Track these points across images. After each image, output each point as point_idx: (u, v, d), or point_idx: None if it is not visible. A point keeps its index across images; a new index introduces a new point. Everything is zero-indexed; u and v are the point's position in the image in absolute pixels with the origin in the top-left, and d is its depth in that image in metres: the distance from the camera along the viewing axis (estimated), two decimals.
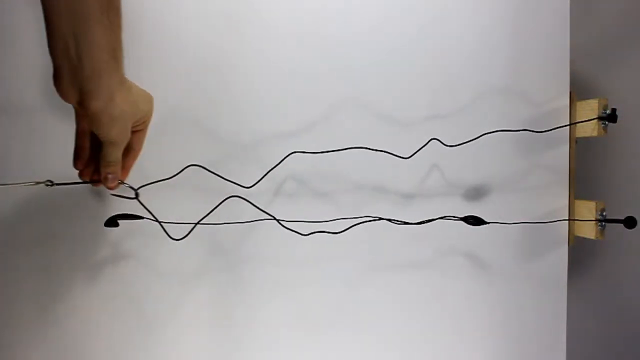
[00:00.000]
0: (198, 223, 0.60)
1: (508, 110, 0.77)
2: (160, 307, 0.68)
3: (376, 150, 0.69)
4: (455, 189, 0.76)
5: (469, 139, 0.72)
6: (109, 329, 0.66)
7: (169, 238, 0.58)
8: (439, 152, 0.74)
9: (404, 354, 0.76)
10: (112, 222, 0.58)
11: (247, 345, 0.71)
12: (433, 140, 0.71)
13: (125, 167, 0.54)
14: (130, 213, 0.58)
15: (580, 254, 0.93)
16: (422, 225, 0.69)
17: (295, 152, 0.66)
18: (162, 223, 0.57)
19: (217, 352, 0.70)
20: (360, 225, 0.67)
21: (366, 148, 0.68)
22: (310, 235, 0.66)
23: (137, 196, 0.55)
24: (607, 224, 0.76)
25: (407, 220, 0.69)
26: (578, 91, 0.80)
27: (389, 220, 0.68)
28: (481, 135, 0.72)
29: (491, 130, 0.73)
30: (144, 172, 0.60)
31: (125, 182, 0.54)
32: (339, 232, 0.66)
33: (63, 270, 0.64)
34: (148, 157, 0.58)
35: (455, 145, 0.72)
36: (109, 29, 0.42)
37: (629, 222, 0.73)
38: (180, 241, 0.58)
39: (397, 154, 0.70)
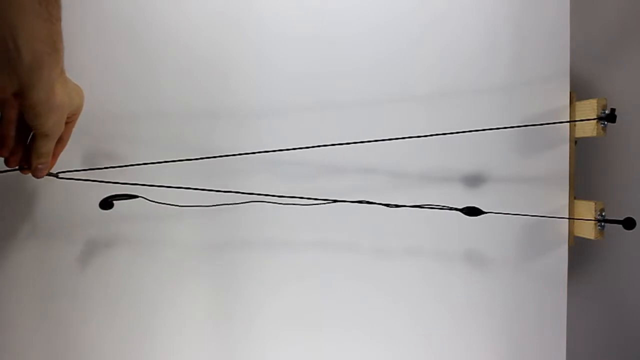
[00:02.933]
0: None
1: (508, 110, 0.77)
2: (159, 305, 0.68)
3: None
4: (453, 189, 0.76)
5: (450, 132, 0.72)
6: (107, 324, 0.66)
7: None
8: (438, 150, 0.74)
9: (404, 353, 0.76)
10: (107, 203, 0.58)
11: (245, 345, 0.71)
12: (434, 139, 0.71)
13: (55, 156, 0.54)
14: (125, 193, 0.58)
15: (580, 254, 0.93)
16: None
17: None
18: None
19: (216, 348, 0.70)
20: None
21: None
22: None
23: (57, 176, 0.55)
24: (607, 224, 0.76)
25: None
26: (578, 91, 0.80)
27: (383, 204, 0.67)
28: (470, 131, 0.71)
29: (486, 128, 0.73)
30: (144, 167, 0.60)
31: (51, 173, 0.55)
32: (311, 204, 0.64)
33: (60, 266, 0.65)
34: (148, 153, 0.58)
35: (431, 136, 0.72)
36: (48, 20, 0.41)
37: (628, 223, 0.73)
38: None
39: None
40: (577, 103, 0.79)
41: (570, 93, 0.79)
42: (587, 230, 0.78)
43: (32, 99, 0.43)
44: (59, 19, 0.43)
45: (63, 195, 0.64)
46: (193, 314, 0.69)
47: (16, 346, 0.64)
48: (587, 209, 0.78)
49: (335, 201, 0.64)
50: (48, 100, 0.45)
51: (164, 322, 0.68)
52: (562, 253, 0.80)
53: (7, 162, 0.52)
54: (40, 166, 0.52)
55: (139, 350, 0.67)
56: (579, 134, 0.80)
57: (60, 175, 0.55)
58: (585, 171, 0.91)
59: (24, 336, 0.64)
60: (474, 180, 0.77)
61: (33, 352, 0.64)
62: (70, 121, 0.54)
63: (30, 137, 0.52)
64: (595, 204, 0.77)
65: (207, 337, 0.70)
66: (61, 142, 0.55)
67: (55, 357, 0.65)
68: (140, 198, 0.58)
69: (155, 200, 0.58)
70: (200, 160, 0.62)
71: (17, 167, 0.53)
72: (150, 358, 0.68)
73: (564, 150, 0.80)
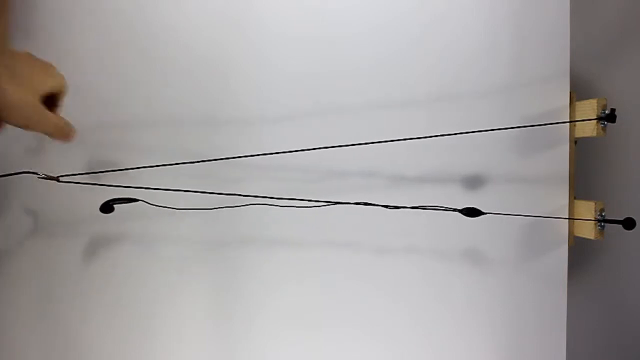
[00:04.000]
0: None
1: (508, 110, 0.77)
2: (159, 305, 0.68)
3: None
4: (453, 189, 0.76)
5: (450, 132, 0.72)
6: (107, 325, 0.66)
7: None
8: (438, 150, 0.74)
9: (404, 353, 0.76)
10: (107, 207, 0.58)
11: (245, 345, 0.71)
12: (434, 139, 0.71)
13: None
14: (125, 197, 0.58)
15: (580, 254, 0.93)
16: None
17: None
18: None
19: (216, 348, 0.70)
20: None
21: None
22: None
23: (58, 180, 0.55)
24: (607, 224, 0.76)
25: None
26: (578, 91, 0.80)
27: (383, 206, 0.67)
28: (470, 132, 0.71)
29: (486, 129, 0.73)
30: (144, 171, 0.60)
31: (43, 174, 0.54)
32: (311, 207, 0.64)
33: (60, 266, 0.65)
34: (148, 157, 0.58)
35: (431, 137, 0.71)
36: None
37: (628, 223, 0.73)
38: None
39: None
40: (577, 103, 0.79)
41: (570, 93, 0.79)
42: (587, 230, 0.78)
43: None
44: (4, 13, 0.40)
45: (63, 197, 0.64)
46: (193, 314, 0.69)
47: (16, 346, 0.64)
48: (587, 209, 0.78)
49: (335, 203, 0.64)
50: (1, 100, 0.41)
51: (164, 322, 0.68)
52: (562, 253, 0.80)
53: None
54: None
55: (139, 350, 0.68)
56: (579, 134, 0.79)
57: (62, 178, 0.56)
58: (585, 171, 0.91)
59: (24, 336, 0.64)
60: (474, 181, 0.77)
61: (33, 352, 0.64)
62: (57, 105, 0.50)
63: None
64: (595, 204, 0.77)
65: (207, 337, 0.70)
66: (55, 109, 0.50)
67: (55, 357, 0.65)
68: (140, 201, 0.58)
69: (155, 204, 0.58)
70: (200, 163, 0.62)
71: (22, 171, 0.53)
72: (150, 358, 0.68)
73: (564, 150, 0.80)
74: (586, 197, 0.81)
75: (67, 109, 0.51)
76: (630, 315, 0.96)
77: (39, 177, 0.53)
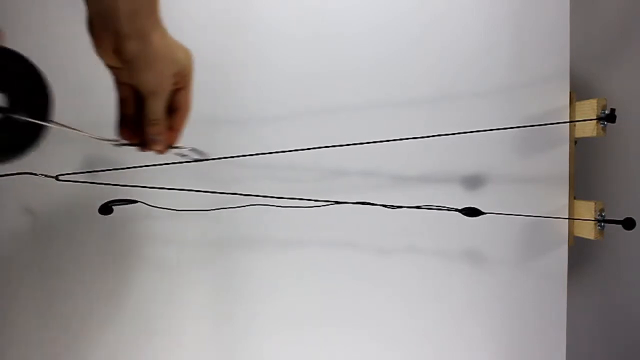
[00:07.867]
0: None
1: (508, 110, 0.77)
2: (160, 305, 0.68)
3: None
4: (454, 189, 0.76)
5: (450, 132, 0.72)
6: (107, 325, 0.66)
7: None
8: (438, 150, 0.74)
9: (404, 353, 0.76)
10: (106, 208, 0.57)
11: (245, 345, 0.71)
12: (434, 139, 0.71)
13: (174, 128, 0.50)
14: (124, 198, 0.58)
15: (580, 254, 0.93)
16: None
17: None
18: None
19: (216, 348, 0.70)
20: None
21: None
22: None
23: (57, 178, 0.53)
24: (607, 224, 0.76)
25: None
26: (578, 91, 0.80)
27: (384, 205, 0.67)
28: (470, 132, 0.71)
29: (486, 129, 0.73)
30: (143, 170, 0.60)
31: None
32: (311, 207, 0.64)
33: (60, 266, 0.65)
34: (147, 156, 0.58)
35: (431, 137, 0.71)
36: None
37: (628, 223, 0.73)
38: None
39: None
40: (577, 103, 0.79)
41: (570, 93, 0.80)
42: (587, 230, 0.78)
43: (127, 50, 0.43)
44: None
45: (63, 197, 0.64)
46: (193, 314, 0.69)
47: (17, 346, 0.64)
48: (587, 209, 0.78)
49: (335, 203, 0.64)
50: (143, 50, 0.43)
51: (164, 322, 0.68)
52: (562, 253, 0.80)
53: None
54: (154, 137, 0.48)
55: (139, 350, 0.67)
56: (579, 134, 0.80)
57: (60, 177, 0.55)
58: (585, 171, 0.91)
59: (25, 336, 0.64)
60: (474, 181, 0.77)
61: (33, 352, 0.64)
62: (181, 86, 0.49)
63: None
64: (595, 204, 0.77)
65: (207, 337, 0.70)
66: (179, 111, 0.50)
67: (55, 357, 0.65)
68: (139, 202, 0.58)
69: (154, 205, 0.58)
70: (200, 163, 0.62)
71: (21, 172, 0.52)
72: (150, 358, 0.68)
73: (564, 150, 0.80)
74: (586, 197, 0.81)
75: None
76: (630, 315, 0.96)
77: (38, 176, 0.53)
